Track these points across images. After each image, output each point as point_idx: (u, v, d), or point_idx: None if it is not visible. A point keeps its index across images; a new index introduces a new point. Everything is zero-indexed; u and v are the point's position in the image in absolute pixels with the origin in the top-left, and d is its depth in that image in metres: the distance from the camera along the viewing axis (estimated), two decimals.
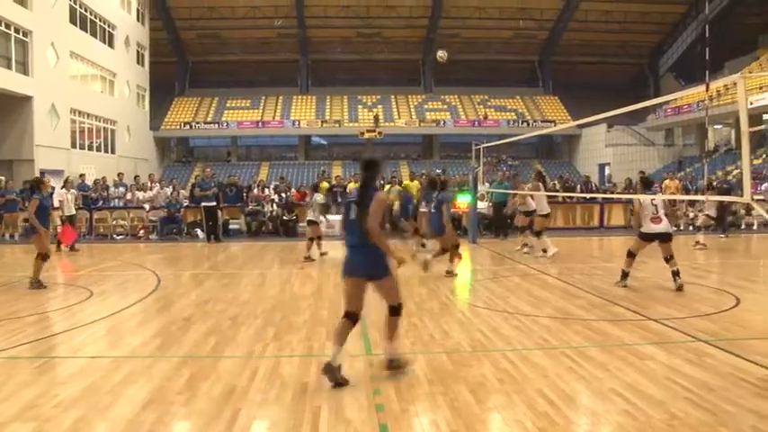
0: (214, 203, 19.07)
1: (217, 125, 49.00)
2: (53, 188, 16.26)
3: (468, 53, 53.60)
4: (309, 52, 53.52)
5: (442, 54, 7.31)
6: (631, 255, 10.11)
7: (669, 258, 9.86)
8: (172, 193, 21.56)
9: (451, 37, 51.80)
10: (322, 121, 49.94)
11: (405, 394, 5.10)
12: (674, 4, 49.41)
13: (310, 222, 14.89)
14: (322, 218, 15.21)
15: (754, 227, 21.03)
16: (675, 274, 9.80)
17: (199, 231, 20.00)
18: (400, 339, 6.23)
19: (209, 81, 53.50)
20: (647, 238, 9.90)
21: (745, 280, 10.06)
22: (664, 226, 9.83)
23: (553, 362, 5.96)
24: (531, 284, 10.50)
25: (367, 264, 5.69)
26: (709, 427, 4.37)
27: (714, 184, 22.33)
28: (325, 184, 22.21)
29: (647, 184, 10.98)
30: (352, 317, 5.72)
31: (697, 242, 16.32)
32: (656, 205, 9.79)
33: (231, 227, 20.82)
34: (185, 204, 21.47)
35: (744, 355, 6.07)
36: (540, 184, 14.85)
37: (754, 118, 27.09)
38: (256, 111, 50.81)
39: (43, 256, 10.62)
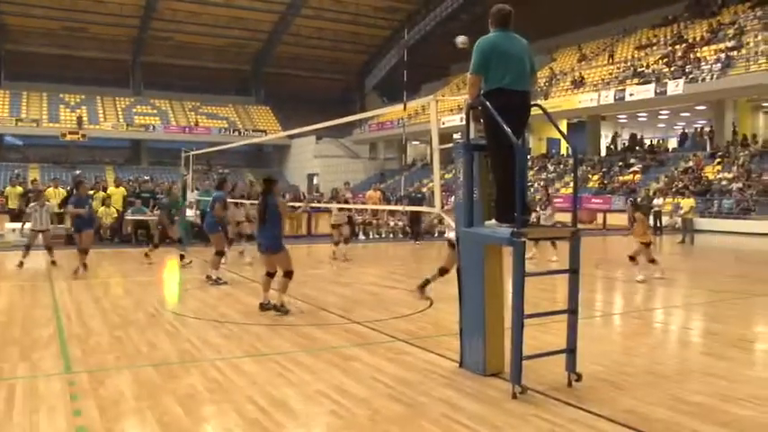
0: None
1: None
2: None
3: (181, 58, 52.50)
4: (5, 41, 48.43)
5: (463, 41, 6.90)
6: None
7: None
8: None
9: (164, 40, 50.34)
10: (17, 120, 45.58)
11: (109, 412, 4.82)
12: (380, 28, 52.86)
13: None
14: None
15: (446, 235, 23.14)
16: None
17: None
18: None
19: None
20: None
21: (437, 283, 10.96)
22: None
23: (263, 368, 6.02)
24: (241, 292, 10.52)
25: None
26: (407, 419, 4.73)
27: (405, 194, 24.33)
28: (19, 189, 20.34)
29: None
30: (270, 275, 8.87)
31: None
32: None
33: None
34: None
35: (435, 350, 6.65)
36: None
37: (445, 137, 29.73)
38: None
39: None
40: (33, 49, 49.37)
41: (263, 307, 8.68)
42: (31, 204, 14.49)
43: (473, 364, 5.84)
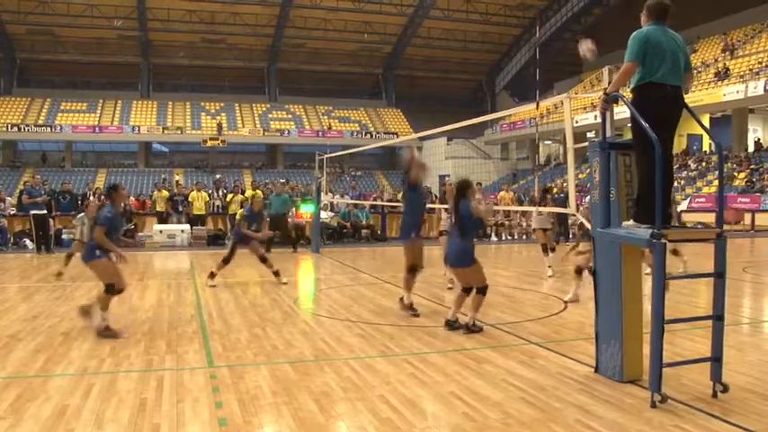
0: (45, 211, 17.92)
1: (49, 128, 46.15)
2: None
3: (313, 64, 53.96)
4: (151, 56, 51.73)
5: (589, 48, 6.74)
6: None
7: None
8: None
9: (297, 47, 51.93)
10: (163, 128, 48.41)
11: (248, 406, 5.03)
12: (510, 26, 52.17)
13: None
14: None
15: None
16: None
17: (27, 241, 18.73)
18: None
19: (40, 81, 50.37)
20: None
21: (572, 285, 10.72)
22: None
23: (395, 368, 6.08)
24: (374, 293, 10.67)
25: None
26: (540, 424, 4.64)
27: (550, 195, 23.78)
28: (165, 193, 21.59)
29: None
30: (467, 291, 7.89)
31: None
32: None
33: (64, 236, 19.64)
34: (11, 213, 20.06)
35: (570, 354, 6.50)
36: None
37: (579, 135, 29.05)
38: (93, 114, 48.37)
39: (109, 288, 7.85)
40: (176, 61, 52.32)
41: (451, 325, 7.79)
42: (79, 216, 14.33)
43: (609, 370, 5.65)
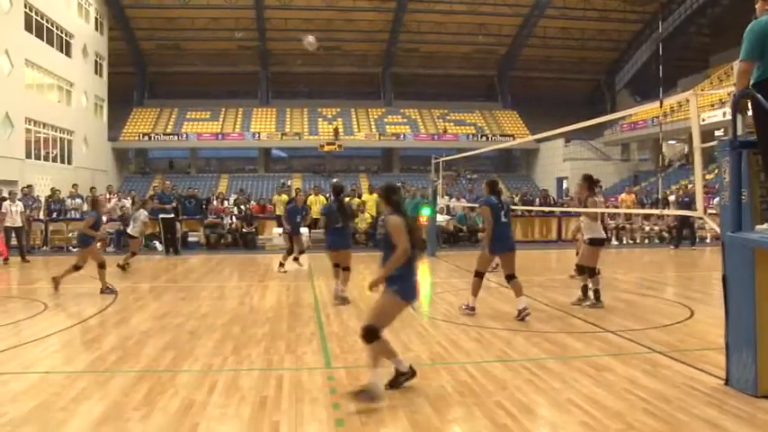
0: (172, 215, 18.86)
1: (176, 137, 48.47)
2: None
3: (427, 67, 54.06)
4: (270, 64, 53.38)
5: (311, 41, 7.35)
6: None
7: None
8: (132, 205, 21.21)
9: (411, 51, 52.18)
10: (282, 134, 49.76)
11: (364, 408, 5.08)
12: (629, 22, 50.43)
13: None
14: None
15: (707, 240, 21.45)
16: None
17: (157, 244, 19.74)
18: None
19: (168, 92, 52.95)
20: None
21: (698, 292, 10.26)
22: None
23: (512, 374, 5.99)
24: (490, 297, 10.55)
25: None
26: None
27: (673, 197, 22.88)
28: (284, 197, 22.21)
29: None
30: None
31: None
32: None
33: (190, 239, 20.59)
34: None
35: (697, 365, 6.19)
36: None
37: (706, 134, 27.68)
38: (216, 122, 50.41)
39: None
40: (294, 69, 53.72)
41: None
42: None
43: (742, 383, 5.34)
